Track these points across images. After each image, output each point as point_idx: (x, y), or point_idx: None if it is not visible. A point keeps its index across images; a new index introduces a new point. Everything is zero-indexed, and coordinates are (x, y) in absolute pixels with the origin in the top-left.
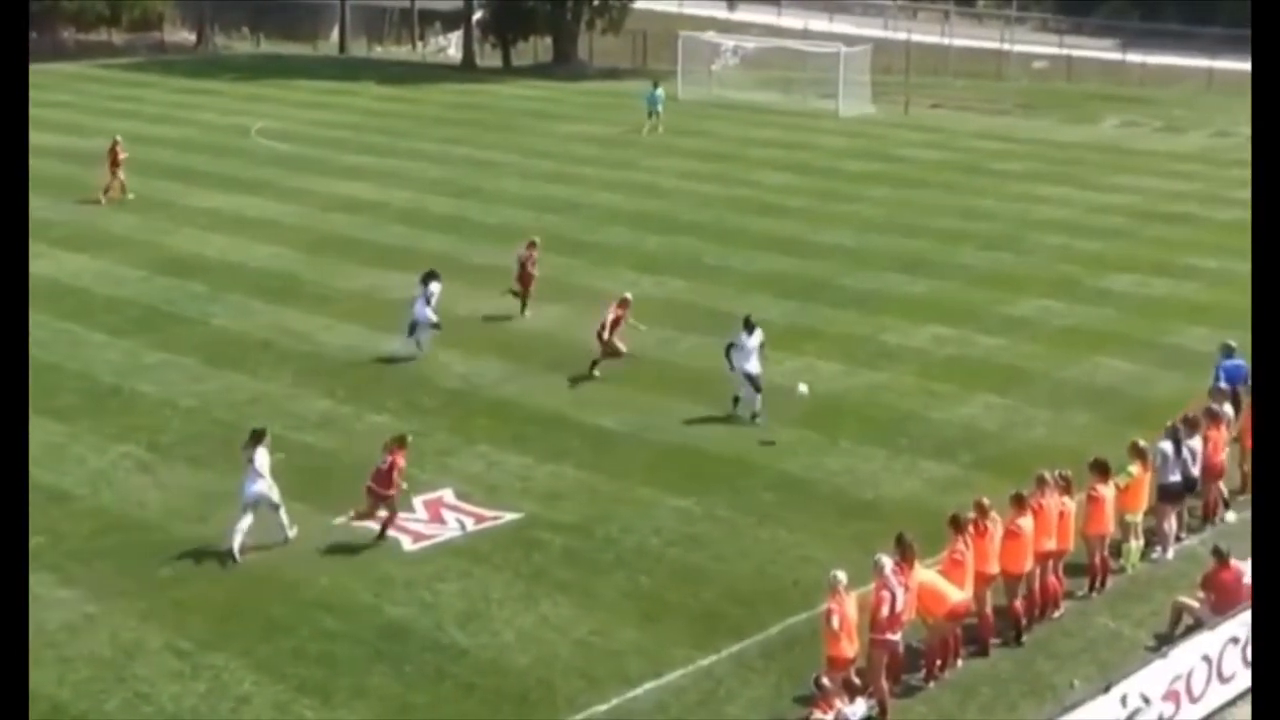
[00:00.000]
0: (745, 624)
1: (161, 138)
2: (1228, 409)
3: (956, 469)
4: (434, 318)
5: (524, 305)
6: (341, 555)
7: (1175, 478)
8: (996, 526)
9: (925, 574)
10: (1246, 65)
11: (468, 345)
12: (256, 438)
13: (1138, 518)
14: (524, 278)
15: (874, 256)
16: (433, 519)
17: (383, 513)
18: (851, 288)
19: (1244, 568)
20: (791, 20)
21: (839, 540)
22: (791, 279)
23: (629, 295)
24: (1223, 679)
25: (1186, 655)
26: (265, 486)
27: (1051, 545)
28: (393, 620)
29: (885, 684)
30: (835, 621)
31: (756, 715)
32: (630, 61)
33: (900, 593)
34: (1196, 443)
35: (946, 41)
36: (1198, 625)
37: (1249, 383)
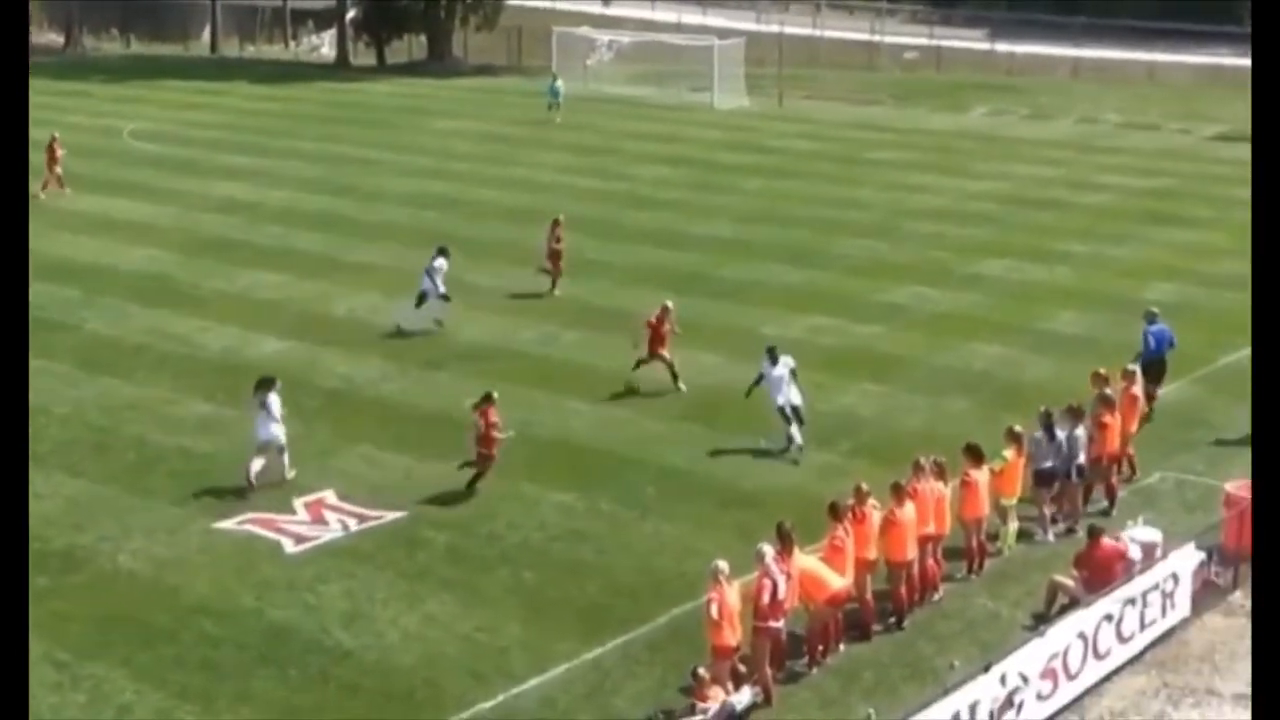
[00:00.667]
0: (630, 616)
1: (30, 141)
2: (1136, 390)
3: (836, 457)
4: (441, 289)
5: (554, 284)
6: (222, 560)
7: (1048, 463)
8: (876, 513)
9: (806, 561)
10: (1111, 53)
11: (348, 345)
12: (268, 384)
13: (1012, 501)
14: (553, 255)
15: (752, 248)
16: (315, 520)
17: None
18: (729, 279)
19: (1118, 545)
20: (665, 14)
21: (721, 531)
22: (670, 272)
23: (669, 303)
24: (1098, 655)
25: (1063, 633)
26: (278, 430)
27: (930, 530)
28: (276, 623)
29: (769, 671)
30: (716, 611)
31: (642, 707)
32: (505, 58)
33: (782, 580)
34: (1080, 431)
35: (818, 33)
36: (1073, 603)
37: (1174, 345)
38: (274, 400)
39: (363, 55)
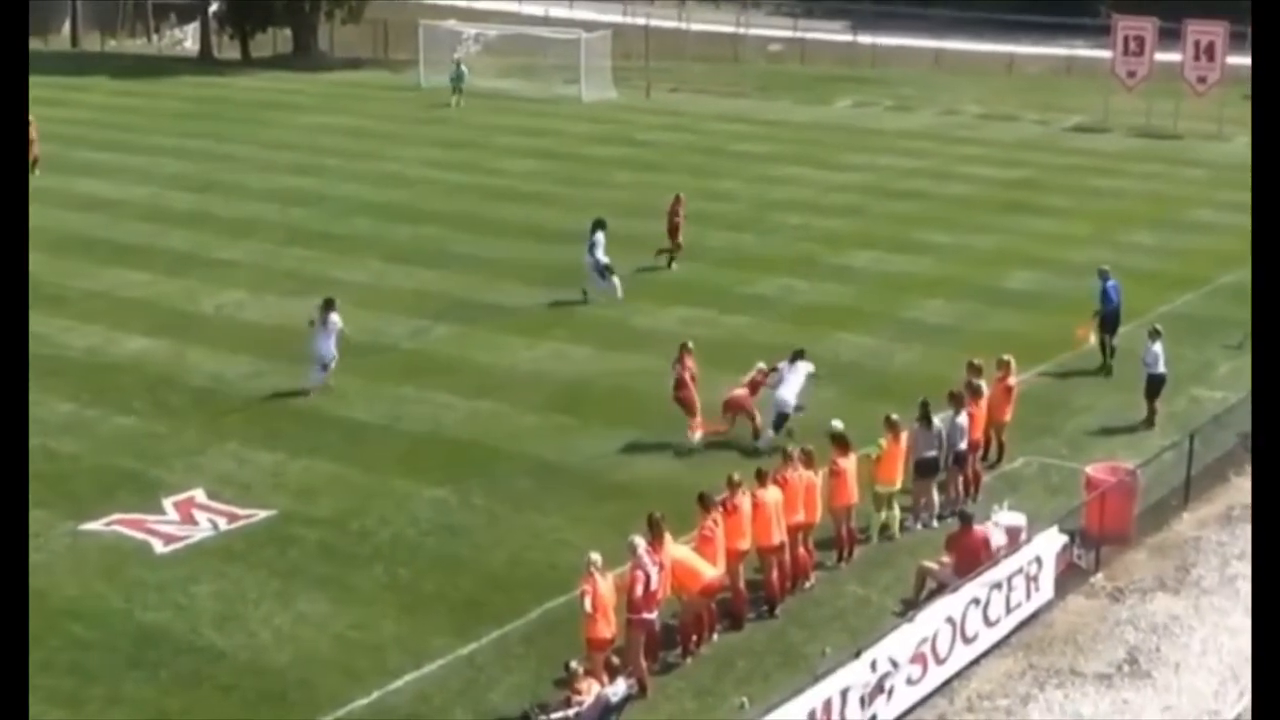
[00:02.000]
0: (505, 611)
1: None
2: (1011, 380)
3: (705, 447)
4: (605, 259)
5: (671, 259)
6: (90, 561)
7: (930, 453)
8: (746, 501)
9: (678, 551)
10: (971, 45)
11: (215, 342)
12: (329, 304)
13: (891, 488)
14: (672, 230)
15: (622, 241)
16: (184, 520)
17: (695, 419)
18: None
19: (989, 531)
20: (532, 8)
21: (594, 523)
22: (540, 265)
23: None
24: (966, 640)
25: (932, 618)
26: (333, 345)
27: (800, 518)
28: (146, 625)
29: (644, 662)
30: (590, 603)
31: (518, 700)
32: (371, 52)
33: (654, 572)
34: (962, 418)
35: (684, 26)
36: (941, 588)
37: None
38: (335, 318)
39: (227, 49)
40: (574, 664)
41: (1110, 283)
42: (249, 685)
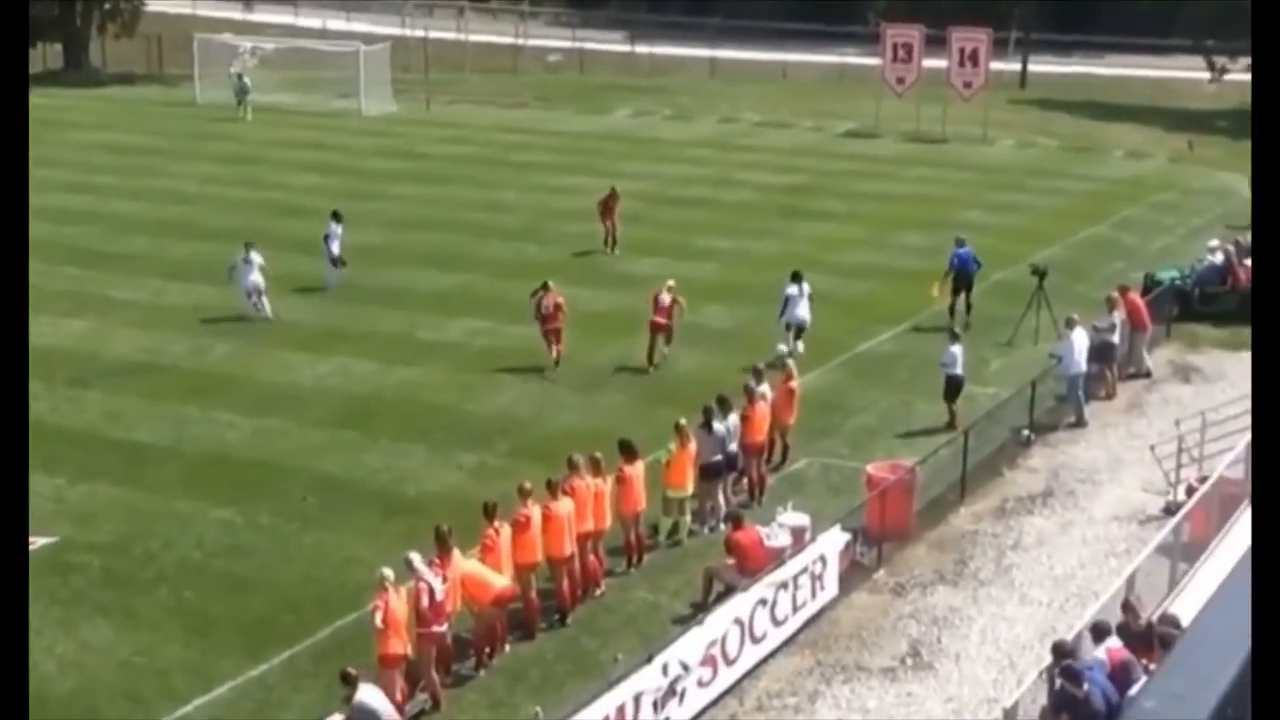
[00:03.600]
0: (295, 630)
1: None
2: (764, 388)
3: (494, 458)
4: (337, 251)
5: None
6: None
7: (716, 457)
8: (537, 512)
9: (467, 564)
10: (746, 54)
11: None
12: (249, 246)
13: (682, 493)
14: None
15: (403, 253)
16: None
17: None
18: (381, 286)
19: (761, 530)
20: (309, 20)
21: (384, 539)
22: (321, 280)
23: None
24: (755, 640)
25: (721, 621)
26: (258, 276)
27: (589, 526)
28: None
29: (436, 676)
30: (380, 619)
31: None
32: (145, 66)
33: (438, 584)
34: (732, 420)
35: (463, 38)
36: (729, 590)
37: (979, 264)
38: (255, 256)
39: None
40: (351, 670)
41: (962, 250)
42: (32, 717)
